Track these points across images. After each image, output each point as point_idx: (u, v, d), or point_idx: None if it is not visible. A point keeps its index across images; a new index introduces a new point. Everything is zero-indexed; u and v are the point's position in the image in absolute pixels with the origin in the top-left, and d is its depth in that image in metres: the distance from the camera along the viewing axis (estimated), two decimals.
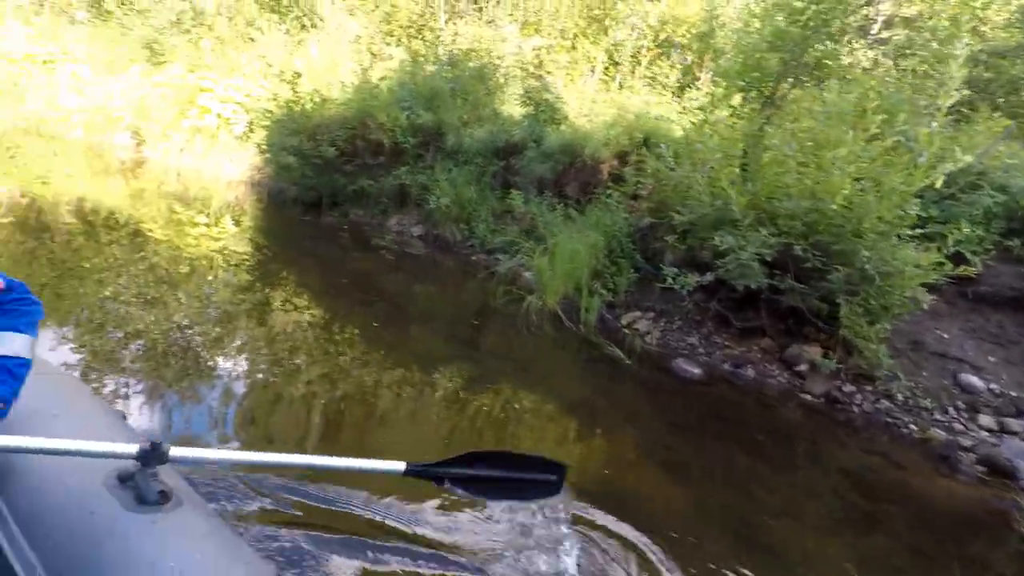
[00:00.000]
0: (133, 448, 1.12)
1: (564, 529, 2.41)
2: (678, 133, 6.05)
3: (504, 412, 3.50)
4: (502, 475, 1.50)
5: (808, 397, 4.18)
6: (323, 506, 2.29)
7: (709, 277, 4.18)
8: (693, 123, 4.91)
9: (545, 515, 2.47)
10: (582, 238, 5.10)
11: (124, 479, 1.15)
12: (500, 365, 4.21)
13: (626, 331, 4.83)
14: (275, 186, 7.89)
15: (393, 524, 2.27)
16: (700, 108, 4.91)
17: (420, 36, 11.70)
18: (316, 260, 6.22)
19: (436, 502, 2.44)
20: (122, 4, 10.21)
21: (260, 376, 3.40)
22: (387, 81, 7.68)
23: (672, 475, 3.22)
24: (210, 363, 3.40)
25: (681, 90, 7.53)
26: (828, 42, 4.30)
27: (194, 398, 3.02)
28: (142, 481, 1.13)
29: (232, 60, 9.21)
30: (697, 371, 4.27)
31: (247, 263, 5.60)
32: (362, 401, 3.36)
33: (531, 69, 8.51)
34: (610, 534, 2.42)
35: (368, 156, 7.16)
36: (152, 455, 1.12)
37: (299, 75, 7.66)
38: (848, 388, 4.18)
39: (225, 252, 5.76)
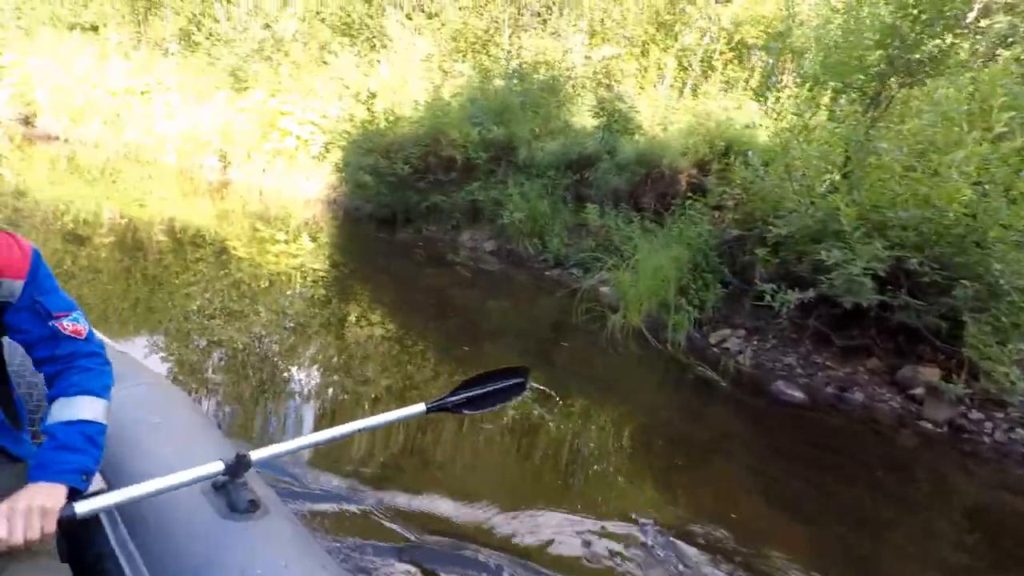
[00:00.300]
0: (220, 465, 1.17)
1: (670, 559, 2.26)
2: (762, 140, 5.76)
3: (587, 432, 3.35)
4: (488, 390, 1.84)
5: (927, 425, 3.80)
6: (408, 515, 2.28)
7: (811, 294, 3.89)
8: (787, 128, 4.61)
9: (651, 546, 2.33)
10: (665, 252, 4.90)
11: (218, 487, 1.20)
12: (580, 383, 4.06)
13: (715, 350, 4.58)
14: (350, 204, 8.09)
15: (486, 535, 2.23)
16: (796, 113, 4.60)
17: (485, 51, 11.83)
18: (390, 276, 6.30)
19: (529, 516, 2.39)
20: (209, 36, 10.85)
21: (332, 388, 3.48)
22: (458, 98, 7.74)
23: (779, 508, 2.98)
24: (286, 373, 3.49)
25: (762, 94, 7.18)
26: (947, 35, 3.93)
27: (272, 405, 3.13)
28: (233, 490, 1.19)
29: (308, 83, 9.58)
30: (799, 395, 3.97)
31: (324, 279, 5.73)
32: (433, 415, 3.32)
33: (601, 79, 8.38)
34: (720, 571, 2.25)
35: (440, 172, 7.22)
36: (239, 466, 1.18)
37: (374, 95, 7.85)
38: (975, 415, 3.77)
39: (303, 268, 5.92)
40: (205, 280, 5.01)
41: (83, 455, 1.00)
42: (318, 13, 11.75)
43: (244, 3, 10.59)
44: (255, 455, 1.20)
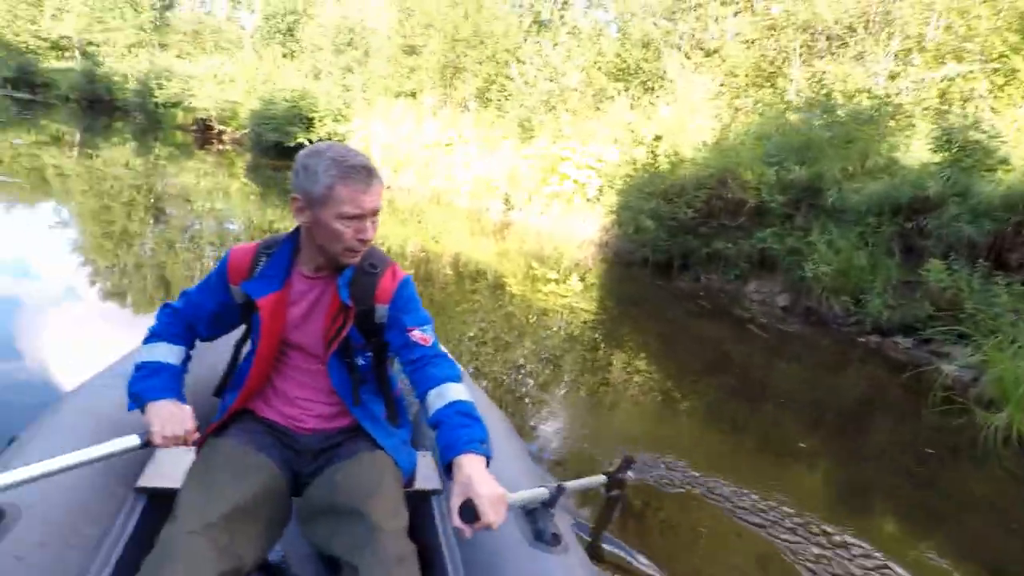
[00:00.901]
0: (545, 493, 1.22)
1: None
2: None
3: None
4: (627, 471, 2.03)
5: None
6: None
7: None
8: None
9: None
10: None
11: (528, 512, 1.24)
12: (907, 490, 3.00)
13: None
14: (622, 246, 7.97)
15: None
16: None
17: (771, 84, 10.87)
18: (662, 323, 5.91)
19: None
20: (500, 91, 12.12)
21: (586, 428, 3.24)
22: (749, 135, 7.08)
23: None
24: (545, 409, 3.38)
25: None
26: None
27: (530, 438, 3.00)
28: (542, 520, 1.22)
29: (586, 129, 9.91)
30: None
31: (592, 319, 5.62)
32: (696, 474, 2.74)
33: (938, 104, 6.84)
34: None
35: (726, 217, 6.62)
36: (556, 496, 1.23)
37: (659, 137, 7.67)
38: None
39: (572, 308, 5.91)
40: (482, 310, 5.30)
41: (472, 428, 1.10)
42: (595, 62, 12.27)
43: (534, 61, 11.58)
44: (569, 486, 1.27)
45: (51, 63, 29.76)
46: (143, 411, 1.09)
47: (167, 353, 1.22)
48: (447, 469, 1.06)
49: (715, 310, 6.16)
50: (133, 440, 1.03)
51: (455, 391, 1.17)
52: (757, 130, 7.18)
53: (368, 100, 14.93)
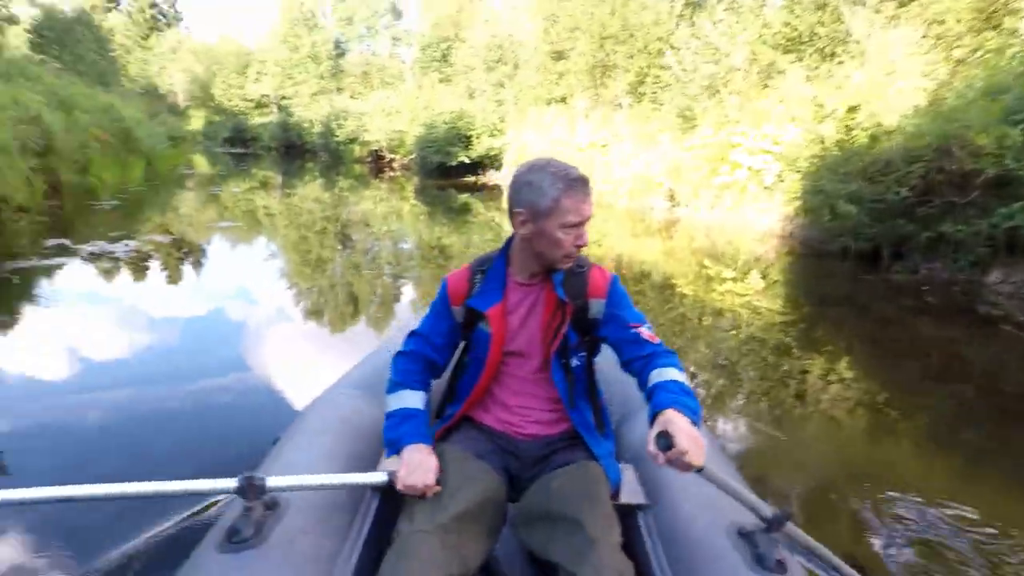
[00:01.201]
0: (767, 511, 1.11)
1: None
2: None
3: None
4: None
5: None
6: None
7: None
8: None
9: None
10: None
11: (744, 535, 1.15)
12: None
13: None
14: (811, 236, 7.03)
15: None
16: None
17: (995, 27, 8.94)
18: (872, 323, 5.00)
19: None
20: (656, 81, 11.55)
21: (778, 449, 2.70)
22: (976, 91, 5.81)
23: None
24: (728, 423, 2.95)
25: None
26: None
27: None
28: (763, 544, 1.11)
29: (757, 110, 9.00)
30: None
31: (778, 320, 4.93)
32: (945, 520, 2.11)
33: None
34: None
35: (951, 193, 5.46)
36: (777, 520, 1.10)
37: (854, 108, 6.64)
38: None
39: (754, 307, 5.26)
40: (650, 312, 4.88)
41: (687, 399, 1.10)
42: (760, 35, 11.14)
43: (691, 44, 10.84)
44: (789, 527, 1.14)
45: (255, 119, 35.21)
46: (399, 455, 1.20)
47: (411, 399, 1.31)
48: (651, 420, 1.06)
49: (944, 306, 5.10)
50: (382, 477, 1.17)
51: (677, 374, 1.20)
52: (987, 84, 5.86)
53: (520, 111, 15.24)
